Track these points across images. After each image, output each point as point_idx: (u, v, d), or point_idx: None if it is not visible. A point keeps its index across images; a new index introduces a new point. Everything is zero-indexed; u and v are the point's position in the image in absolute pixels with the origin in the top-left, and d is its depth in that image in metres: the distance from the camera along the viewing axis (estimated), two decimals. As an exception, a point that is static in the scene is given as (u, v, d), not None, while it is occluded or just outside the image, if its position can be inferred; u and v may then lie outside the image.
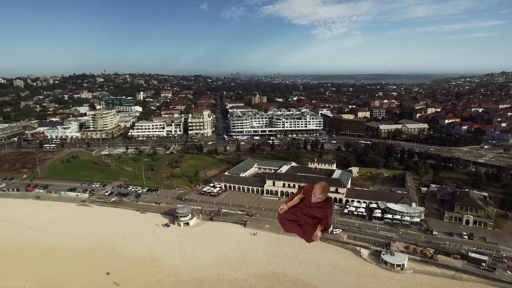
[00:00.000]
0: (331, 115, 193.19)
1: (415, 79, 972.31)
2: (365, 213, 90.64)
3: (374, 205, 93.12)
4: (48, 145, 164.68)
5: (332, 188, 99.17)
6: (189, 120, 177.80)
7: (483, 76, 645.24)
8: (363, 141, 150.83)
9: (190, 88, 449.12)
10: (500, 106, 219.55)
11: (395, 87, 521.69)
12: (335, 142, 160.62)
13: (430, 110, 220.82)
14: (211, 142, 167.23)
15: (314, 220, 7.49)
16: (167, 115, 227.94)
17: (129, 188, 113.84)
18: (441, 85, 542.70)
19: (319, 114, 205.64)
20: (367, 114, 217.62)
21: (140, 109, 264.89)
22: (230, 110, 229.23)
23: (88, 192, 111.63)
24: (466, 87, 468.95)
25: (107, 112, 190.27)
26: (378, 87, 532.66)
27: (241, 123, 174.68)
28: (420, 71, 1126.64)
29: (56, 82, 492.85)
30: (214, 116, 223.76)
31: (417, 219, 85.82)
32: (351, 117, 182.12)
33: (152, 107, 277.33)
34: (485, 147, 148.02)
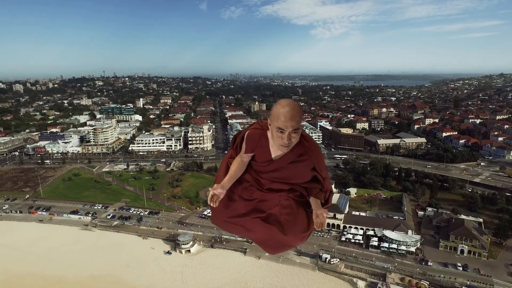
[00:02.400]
0: (330, 128, 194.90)
1: (414, 79, 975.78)
2: (362, 241, 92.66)
3: (371, 232, 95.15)
4: (49, 161, 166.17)
5: (330, 214, 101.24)
6: (189, 134, 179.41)
7: (481, 78, 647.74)
8: (361, 160, 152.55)
9: (189, 92, 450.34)
10: (498, 117, 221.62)
11: (394, 90, 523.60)
12: (333, 158, 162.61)
13: (428, 121, 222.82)
14: (211, 157, 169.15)
15: (293, 196, 4.65)
16: (167, 125, 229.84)
17: (131, 211, 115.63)
18: (440, 88, 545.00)
19: (318, 127, 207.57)
20: (366, 125, 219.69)
21: (140, 118, 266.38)
22: (229, 121, 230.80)
23: (90, 215, 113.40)
24: (465, 91, 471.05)
25: (108, 125, 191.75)
26: (377, 90, 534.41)
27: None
28: (419, 71, 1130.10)
29: (56, 85, 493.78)
30: (213, 127, 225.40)
31: (413, 248, 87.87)
32: (350, 131, 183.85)
33: (151, 116, 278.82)
34: (481, 164, 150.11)
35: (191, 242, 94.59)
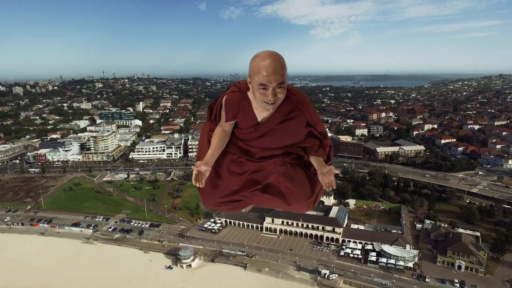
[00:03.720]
0: (329, 135, 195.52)
1: (414, 80, 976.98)
2: (360, 256, 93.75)
3: (369, 247, 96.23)
4: (50, 169, 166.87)
5: (329, 228, 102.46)
6: (189, 142, 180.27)
7: (480, 79, 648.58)
8: (360, 169, 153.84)
9: (189, 95, 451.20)
10: (496, 123, 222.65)
11: (393, 92, 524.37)
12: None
13: (427, 127, 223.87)
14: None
15: (289, 160, 4.19)
16: (167, 131, 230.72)
17: (132, 223, 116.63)
18: (439, 90, 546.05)
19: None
20: (365, 131, 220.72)
21: (139, 123, 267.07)
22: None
23: (91, 227, 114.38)
24: (464, 93, 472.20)
25: (108, 133, 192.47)
26: (377, 91, 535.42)
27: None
28: (419, 72, 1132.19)
29: (55, 88, 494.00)
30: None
31: (411, 264, 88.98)
32: (349, 138, 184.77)
33: (151, 121, 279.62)
34: (479, 173, 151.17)
35: (192, 257, 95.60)
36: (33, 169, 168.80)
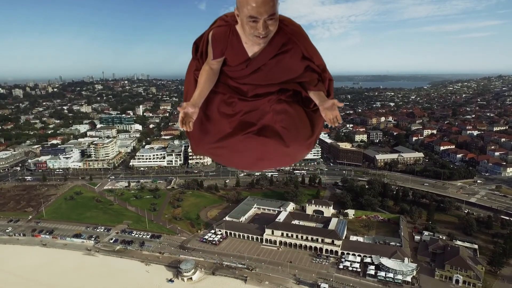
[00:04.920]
0: (329, 142, 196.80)
1: (413, 80, 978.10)
2: (359, 269, 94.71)
3: (368, 260, 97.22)
4: (51, 177, 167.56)
5: (329, 240, 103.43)
6: (189, 149, 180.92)
7: (480, 80, 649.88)
8: (360, 177, 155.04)
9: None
10: (495, 129, 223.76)
11: (393, 93, 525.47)
12: (332, 175, 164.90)
13: (426, 132, 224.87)
14: (211, 173, 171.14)
15: (285, 98, 3.94)
16: (167, 136, 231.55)
17: (133, 234, 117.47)
18: (439, 92, 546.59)
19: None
20: (364, 137, 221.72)
21: (139, 127, 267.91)
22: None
23: (93, 238, 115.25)
24: (463, 95, 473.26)
25: (109, 140, 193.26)
26: (376, 93, 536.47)
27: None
28: (418, 72, 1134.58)
29: (55, 90, 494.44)
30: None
31: (409, 278, 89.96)
32: (349, 145, 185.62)
33: (151, 125, 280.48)
34: (478, 181, 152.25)
35: (193, 270, 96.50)
36: (28, 177, 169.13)
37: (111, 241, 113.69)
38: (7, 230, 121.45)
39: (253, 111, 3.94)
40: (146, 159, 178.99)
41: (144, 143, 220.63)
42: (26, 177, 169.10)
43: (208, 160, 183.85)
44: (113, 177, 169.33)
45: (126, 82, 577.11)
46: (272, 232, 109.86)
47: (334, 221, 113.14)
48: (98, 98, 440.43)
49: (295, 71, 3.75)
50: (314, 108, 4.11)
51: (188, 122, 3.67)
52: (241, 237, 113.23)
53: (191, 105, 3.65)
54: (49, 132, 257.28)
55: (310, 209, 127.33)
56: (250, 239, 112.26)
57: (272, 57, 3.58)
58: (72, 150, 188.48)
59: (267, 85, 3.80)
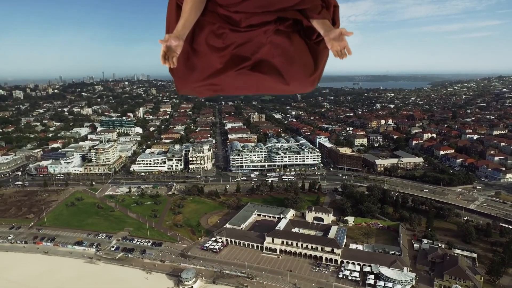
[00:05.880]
0: (329, 146, 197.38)
1: (413, 80, 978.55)
2: (359, 278, 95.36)
3: (368, 269, 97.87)
4: (52, 182, 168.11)
5: (328, 249, 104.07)
6: (189, 154, 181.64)
7: (480, 80, 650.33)
8: (359, 183, 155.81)
9: (189, 99, 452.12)
10: (495, 133, 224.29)
11: (393, 94, 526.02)
12: (332, 180, 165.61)
13: (426, 136, 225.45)
14: (212, 178, 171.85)
15: (284, 28, 3.39)
16: (168, 140, 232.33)
17: (134, 241, 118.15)
18: (439, 93, 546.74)
19: (317, 144, 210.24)
20: (364, 141, 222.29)
21: (140, 130, 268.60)
22: (229, 136, 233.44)
23: (94, 246, 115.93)
24: (463, 96, 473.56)
25: (109, 145, 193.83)
26: (376, 94, 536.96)
27: (240, 157, 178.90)
28: (418, 72, 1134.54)
29: (55, 91, 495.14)
30: (213, 141, 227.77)
31: (408, 287, 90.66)
32: (348, 150, 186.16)
33: (152, 128, 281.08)
34: (477, 187, 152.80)
35: (194, 279, 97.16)
36: (26, 183, 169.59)
37: (113, 249, 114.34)
38: (9, 238, 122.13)
39: (247, 44, 3.40)
40: (147, 164, 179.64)
41: (144, 147, 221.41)
42: (25, 183, 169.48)
43: (208, 165, 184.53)
44: (114, 182, 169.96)
45: (126, 83, 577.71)
46: (273, 240, 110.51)
47: (334, 229, 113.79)
48: (99, 100, 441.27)
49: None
50: (317, 39, 3.63)
51: (171, 57, 3.23)
52: (242, 245, 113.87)
53: (175, 37, 3.15)
54: (50, 135, 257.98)
55: (310, 216, 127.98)
56: (251, 247, 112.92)
57: None
58: (73, 155, 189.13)
59: (262, 13, 3.24)
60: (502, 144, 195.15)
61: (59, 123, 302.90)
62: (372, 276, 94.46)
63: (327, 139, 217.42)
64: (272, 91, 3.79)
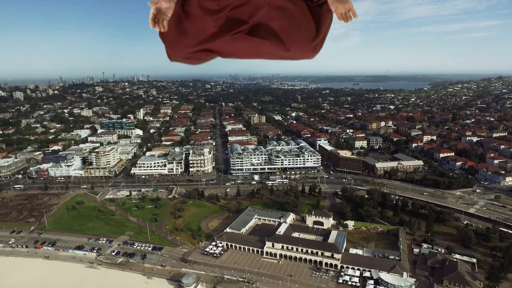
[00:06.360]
0: (329, 149, 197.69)
1: (413, 81, 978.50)
2: (358, 284, 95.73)
3: (367, 274, 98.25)
4: (52, 185, 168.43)
5: (328, 254, 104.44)
6: (190, 157, 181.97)
7: (480, 81, 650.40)
8: (359, 186, 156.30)
9: (189, 100, 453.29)
10: (494, 135, 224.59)
11: (393, 95, 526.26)
12: (332, 183, 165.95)
13: (426, 138, 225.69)
14: (212, 182, 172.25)
15: None
16: (168, 142, 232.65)
17: (135, 246, 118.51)
18: (439, 93, 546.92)
19: (317, 146, 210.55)
20: (364, 143, 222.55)
21: (140, 132, 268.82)
22: (229, 138, 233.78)
23: (95, 250, 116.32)
24: (463, 97, 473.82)
25: (110, 147, 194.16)
26: (376, 95, 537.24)
27: (240, 160, 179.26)
28: (418, 72, 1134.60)
29: (56, 92, 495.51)
30: (213, 144, 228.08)
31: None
32: (348, 153, 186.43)
33: (152, 130, 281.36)
34: (477, 190, 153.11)
35: (195, 284, 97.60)
36: (20, 186, 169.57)
37: (113, 253, 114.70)
38: (9, 242, 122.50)
39: (244, 6, 3.20)
40: (147, 167, 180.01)
41: (145, 149, 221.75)
42: (26, 186, 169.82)
43: (209, 168, 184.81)
44: (115, 185, 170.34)
45: (126, 83, 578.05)
46: (273, 245, 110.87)
47: (334, 233, 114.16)
48: (99, 101, 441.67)
49: None
50: (320, 1, 3.47)
51: (162, 20, 3.09)
52: (242, 250, 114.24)
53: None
54: (50, 137, 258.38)
55: (310, 220, 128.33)
56: (251, 251, 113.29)
57: None
58: (73, 158, 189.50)
59: None
60: (502, 146, 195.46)
61: (59, 125, 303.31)
62: (372, 282, 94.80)
63: (327, 141, 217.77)
64: (271, 57, 3.59)
